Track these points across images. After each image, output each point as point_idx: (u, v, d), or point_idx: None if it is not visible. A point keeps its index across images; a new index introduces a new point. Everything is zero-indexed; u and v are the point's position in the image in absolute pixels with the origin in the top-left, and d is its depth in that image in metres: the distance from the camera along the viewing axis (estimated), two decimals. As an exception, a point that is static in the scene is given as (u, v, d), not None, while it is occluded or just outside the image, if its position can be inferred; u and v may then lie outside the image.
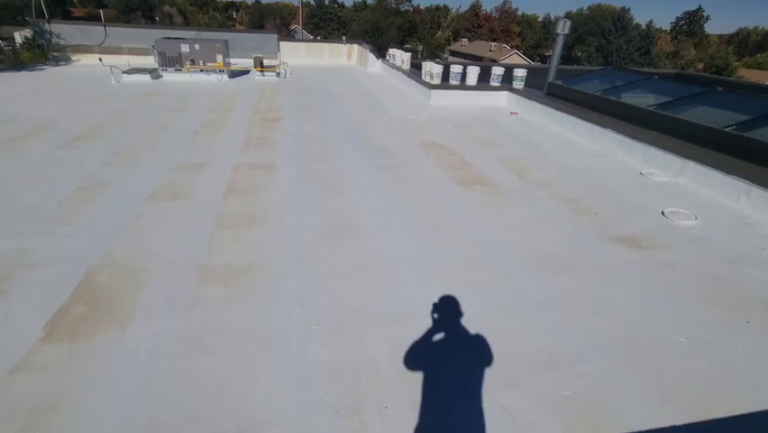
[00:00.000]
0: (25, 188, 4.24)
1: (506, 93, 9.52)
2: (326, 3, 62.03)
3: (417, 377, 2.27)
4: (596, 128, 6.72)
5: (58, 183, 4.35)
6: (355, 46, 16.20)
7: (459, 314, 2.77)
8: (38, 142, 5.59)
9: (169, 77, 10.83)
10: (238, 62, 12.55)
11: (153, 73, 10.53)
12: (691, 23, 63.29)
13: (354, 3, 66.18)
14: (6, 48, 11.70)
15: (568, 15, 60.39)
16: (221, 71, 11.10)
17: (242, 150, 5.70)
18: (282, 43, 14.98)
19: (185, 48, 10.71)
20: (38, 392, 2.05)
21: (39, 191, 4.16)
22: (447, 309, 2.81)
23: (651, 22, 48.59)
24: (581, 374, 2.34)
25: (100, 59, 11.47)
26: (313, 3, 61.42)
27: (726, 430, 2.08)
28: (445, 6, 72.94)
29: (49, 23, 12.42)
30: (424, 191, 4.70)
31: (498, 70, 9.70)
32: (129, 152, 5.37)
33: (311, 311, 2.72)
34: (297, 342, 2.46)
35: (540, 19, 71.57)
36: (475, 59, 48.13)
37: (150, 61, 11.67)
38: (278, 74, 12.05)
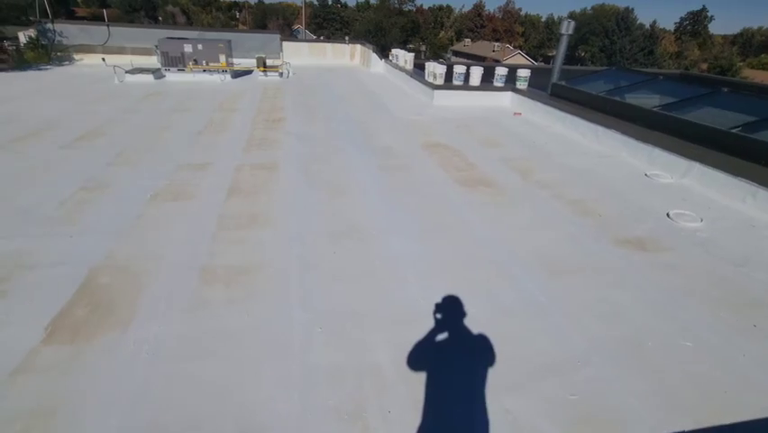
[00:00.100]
0: (26, 188, 4.24)
1: (509, 93, 9.49)
2: (329, 3, 62.09)
3: (420, 380, 2.25)
4: (600, 129, 6.68)
5: (59, 183, 4.35)
6: (358, 46, 16.18)
7: (462, 316, 2.75)
8: (40, 142, 5.60)
9: (172, 77, 10.84)
10: (241, 62, 12.55)
11: (156, 73, 10.55)
12: (695, 24, 63.04)
13: (357, 3, 66.25)
14: (10, 48, 11.75)
15: (571, 15, 60.30)
16: (224, 71, 11.10)
17: (244, 150, 5.70)
18: (285, 43, 14.97)
19: (188, 48, 10.72)
20: (38, 395, 2.04)
21: (40, 191, 4.16)
22: (450, 311, 2.79)
23: (655, 22, 48.59)
24: (585, 378, 2.31)
25: (103, 59, 11.49)
26: (316, 3, 61.49)
27: (734, 437, 2.05)
28: (448, 6, 72.95)
29: (52, 22, 12.47)
30: (427, 192, 4.67)
31: (501, 71, 9.68)
32: (131, 153, 5.37)
33: (313, 313, 2.70)
34: (300, 345, 2.44)
35: (543, 19, 71.44)
36: (478, 59, 48.08)
37: (154, 61, 11.68)
38: (280, 74, 12.06)
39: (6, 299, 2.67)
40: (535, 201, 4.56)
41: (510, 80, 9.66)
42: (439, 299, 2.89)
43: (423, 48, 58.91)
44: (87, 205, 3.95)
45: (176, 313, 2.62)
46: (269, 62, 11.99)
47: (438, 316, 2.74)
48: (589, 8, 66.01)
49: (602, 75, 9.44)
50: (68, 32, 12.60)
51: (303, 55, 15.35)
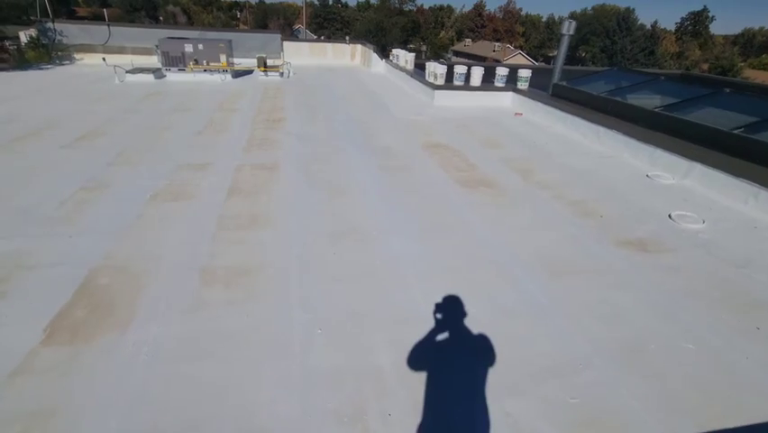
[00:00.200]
0: (26, 188, 4.23)
1: (510, 93, 9.48)
2: (330, 3, 62.05)
3: (421, 382, 2.24)
4: (601, 129, 6.66)
5: (59, 183, 4.34)
6: (359, 46, 16.17)
7: (462, 317, 2.74)
8: (40, 141, 5.59)
9: (173, 76, 10.83)
10: (241, 62, 12.55)
11: (157, 73, 10.54)
12: (696, 24, 62.91)
13: (358, 3, 66.17)
14: (11, 47, 11.75)
15: (572, 15, 60.17)
16: (224, 71, 11.09)
17: (244, 150, 5.68)
18: (286, 43, 14.96)
19: (188, 48, 10.70)
20: (37, 396, 2.03)
21: (40, 191, 4.15)
22: (450, 312, 2.78)
23: (656, 22, 48.56)
24: (586, 381, 2.30)
25: (104, 59, 11.49)
26: (316, 3, 61.44)
27: (737, 440, 2.03)
28: (449, 6, 72.88)
29: (53, 22, 12.47)
30: (427, 192, 4.66)
31: (502, 71, 9.66)
32: (131, 153, 5.36)
33: (314, 314, 2.69)
34: (300, 346, 2.43)
35: (544, 19, 71.36)
36: (479, 59, 48.05)
37: (154, 61, 11.69)
38: (281, 74, 12.05)
39: (5, 299, 2.66)
40: (536, 202, 4.55)
41: (511, 80, 9.64)
42: (439, 300, 2.88)
43: (423, 48, 58.84)
44: (87, 205, 3.94)
45: (175, 314, 2.61)
46: (269, 62, 11.97)
47: (438, 317, 2.73)
48: (589, 8, 65.97)
49: (603, 75, 9.43)
50: (69, 31, 12.60)
51: (303, 55, 15.33)
